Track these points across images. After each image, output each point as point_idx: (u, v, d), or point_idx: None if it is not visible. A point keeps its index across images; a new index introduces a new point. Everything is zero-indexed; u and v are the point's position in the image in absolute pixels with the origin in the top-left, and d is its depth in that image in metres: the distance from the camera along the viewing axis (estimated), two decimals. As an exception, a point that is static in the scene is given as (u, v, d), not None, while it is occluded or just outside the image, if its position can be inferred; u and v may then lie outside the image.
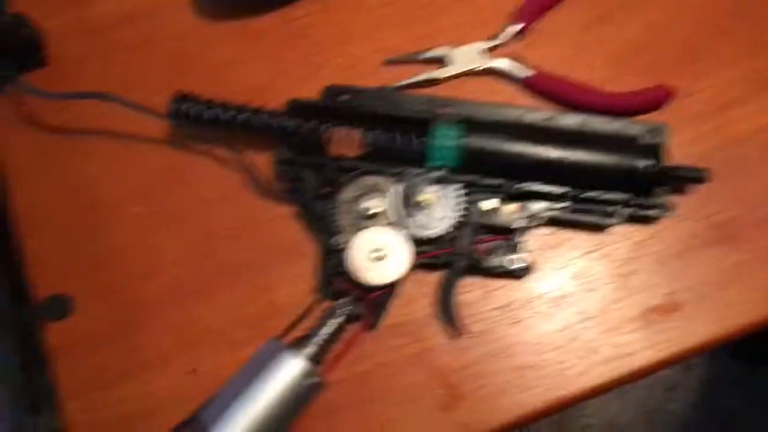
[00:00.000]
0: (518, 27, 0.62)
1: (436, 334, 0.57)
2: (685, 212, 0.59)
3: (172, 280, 0.59)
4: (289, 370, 0.51)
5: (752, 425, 1.36)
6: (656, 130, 0.59)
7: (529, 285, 0.58)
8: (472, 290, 0.58)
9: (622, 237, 0.59)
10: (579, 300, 0.58)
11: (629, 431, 1.40)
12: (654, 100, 0.61)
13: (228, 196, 0.60)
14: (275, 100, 0.59)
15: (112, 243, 0.59)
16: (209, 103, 0.58)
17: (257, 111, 0.58)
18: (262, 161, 0.60)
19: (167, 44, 0.64)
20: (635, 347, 0.57)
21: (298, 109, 0.58)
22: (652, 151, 0.57)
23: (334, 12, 0.65)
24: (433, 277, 0.58)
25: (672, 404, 1.40)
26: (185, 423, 0.53)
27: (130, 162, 0.61)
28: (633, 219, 0.58)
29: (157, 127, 0.61)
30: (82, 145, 0.62)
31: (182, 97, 0.58)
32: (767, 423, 1.36)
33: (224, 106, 0.58)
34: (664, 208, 0.57)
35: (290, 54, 0.64)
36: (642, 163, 0.56)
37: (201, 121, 0.57)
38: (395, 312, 0.57)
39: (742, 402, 1.38)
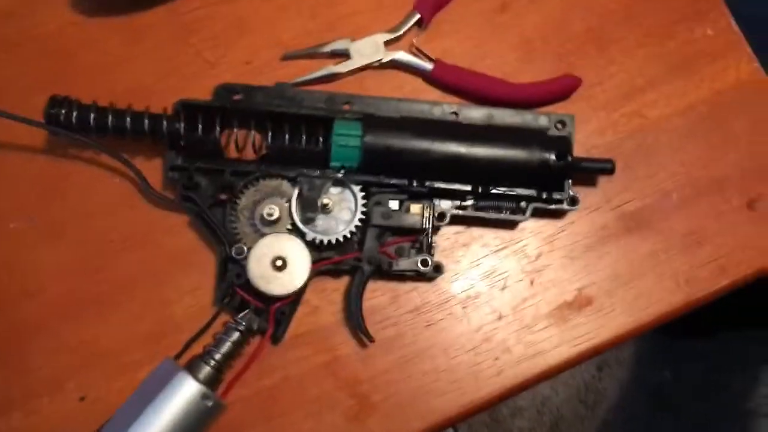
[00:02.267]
0: (417, 17, 0.59)
1: (345, 343, 0.55)
2: (594, 204, 0.58)
3: (57, 298, 0.54)
4: (184, 394, 0.48)
5: (679, 398, 1.39)
6: (564, 121, 0.57)
7: (440, 286, 0.57)
8: (381, 295, 0.56)
9: (531, 232, 0.58)
10: (491, 299, 0.57)
11: (561, 411, 1.41)
12: (561, 90, 0.60)
13: (116, 207, 0.56)
14: (164, 100, 0.55)
15: (-11, 262, 0.55)
16: (89, 108, 0.53)
17: (143, 114, 0.54)
18: (152, 168, 0.56)
19: (43, 43, 0.59)
20: (549, 344, 0.56)
21: (188, 110, 0.54)
22: (561, 143, 0.56)
23: (228, 3, 0.61)
24: (339, 283, 0.56)
25: (602, 382, 1.42)
26: (73, 456, 0.49)
27: (6, 174, 0.56)
28: (542, 213, 0.57)
29: (33, 134, 0.56)
30: (-51, 157, 0.57)
31: (59, 102, 0.53)
32: (693, 395, 1.39)
33: (106, 110, 0.53)
34: (574, 201, 0.56)
35: (180, 50, 0.60)
36: (552, 157, 0.54)
37: (81, 128, 0.53)
38: (300, 321, 0.55)
39: (670, 375, 1.41)
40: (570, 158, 0.55)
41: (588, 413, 1.41)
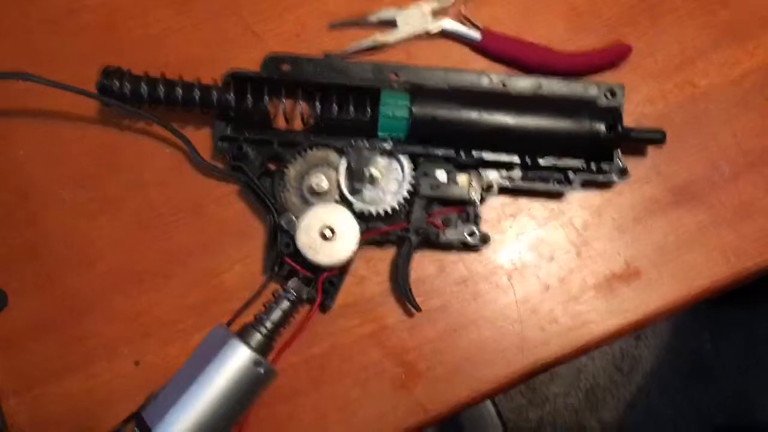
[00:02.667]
0: (467, -15, 0.59)
1: (392, 312, 0.56)
2: (644, 175, 0.58)
3: (112, 267, 0.56)
4: (236, 360, 0.49)
5: (719, 367, 1.38)
6: (614, 91, 0.56)
7: (487, 257, 0.57)
8: (427, 265, 0.56)
9: (579, 204, 0.57)
10: (538, 270, 0.56)
11: (597, 377, 1.41)
12: (611, 59, 0.59)
13: (167, 177, 0.57)
14: (213, 72, 0.55)
15: (45, 231, 0.56)
16: (141, 79, 0.54)
17: (194, 85, 0.54)
18: (202, 138, 0.57)
19: (91, 14, 0.60)
20: (595, 315, 0.56)
21: (238, 81, 0.54)
22: (611, 113, 0.55)
23: (274, -26, 0.61)
24: (386, 254, 0.56)
25: (639, 349, 1.42)
26: (130, 419, 0.51)
27: (60, 144, 0.57)
28: (591, 185, 0.56)
29: (87, 105, 0.57)
30: (6, 128, 0.58)
31: (111, 73, 0.54)
32: (731, 363, 1.38)
33: (157, 81, 0.54)
34: (623, 172, 0.55)
35: (228, 22, 0.60)
36: (602, 127, 0.54)
37: (133, 98, 0.54)
38: (348, 291, 0.56)
39: (710, 345, 1.40)
40: (620, 129, 0.54)
41: (624, 380, 1.41)
